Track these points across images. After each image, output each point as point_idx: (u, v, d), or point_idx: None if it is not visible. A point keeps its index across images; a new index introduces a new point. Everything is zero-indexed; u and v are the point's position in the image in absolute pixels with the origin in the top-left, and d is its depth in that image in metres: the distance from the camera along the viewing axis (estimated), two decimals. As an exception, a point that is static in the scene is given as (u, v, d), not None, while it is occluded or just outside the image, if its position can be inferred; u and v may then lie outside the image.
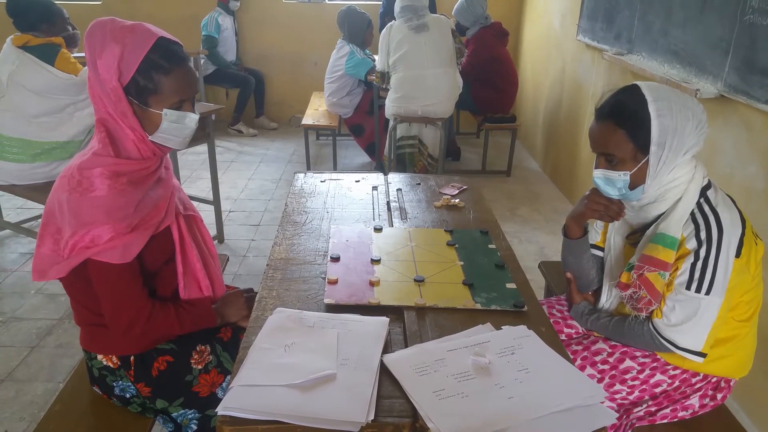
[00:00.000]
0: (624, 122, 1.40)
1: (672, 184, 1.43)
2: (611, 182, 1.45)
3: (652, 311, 1.46)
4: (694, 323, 1.40)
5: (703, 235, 1.39)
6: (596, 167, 1.47)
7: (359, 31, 4.70)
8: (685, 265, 1.40)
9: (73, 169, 1.33)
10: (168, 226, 1.47)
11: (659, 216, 1.47)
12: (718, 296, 1.38)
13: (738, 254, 1.38)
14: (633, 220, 1.56)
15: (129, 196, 1.35)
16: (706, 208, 1.41)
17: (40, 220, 1.42)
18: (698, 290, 1.38)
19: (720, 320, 1.41)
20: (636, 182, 1.43)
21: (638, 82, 1.44)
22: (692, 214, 1.42)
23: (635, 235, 1.56)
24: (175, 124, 1.40)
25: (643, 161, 1.40)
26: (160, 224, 1.44)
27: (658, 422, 1.57)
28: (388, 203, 2.03)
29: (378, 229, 1.80)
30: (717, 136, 2.45)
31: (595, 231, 1.72)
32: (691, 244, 1.40)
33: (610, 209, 1.51)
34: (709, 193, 1.44)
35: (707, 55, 2.49)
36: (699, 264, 1.38)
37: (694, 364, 1.47)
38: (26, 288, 3.04)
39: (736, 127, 2.37)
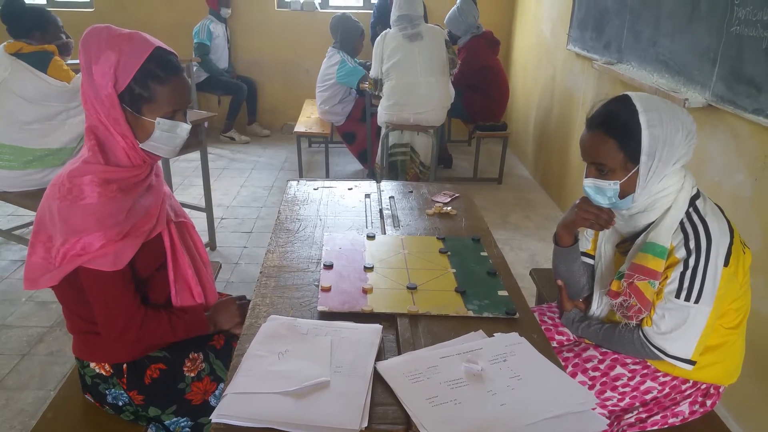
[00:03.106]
0: (615, 132, 1.42)
1: (661, 193, 1.45)
2: (601, 191, 1.47)
3: (642, 319, 1.48)
4: (683, 331, 1.42)
5: (692, 244, 1.40)
6: (586, 176, 1.49)
7: (352, 38, 4.73)
8: (675, 274, 1.41)
9: (64, 177, 1.33)
10: (159, 233, 1.48)
11: (649, 225, 1.49)
12: (707, 305, 1.39)
13: (726, 263, 1.39)
14: (623, 228, 1.58)
15: (119, 203, 1.35)
16: (695, 218, 1.43)
17: (31, 228, 1.42)
18: (687, 299, 1.40)
19: (709, 328, 1.42)
20: (626, 191, 1.45)
21: (629, 93, 1.46)
22: (681, 223, 1.44)
23: (625, 244, 1.57)
24: (167, 134, 1.41)
25: (633, 171, 1.42)
26: (151, 231, 1.44)
27: (648, 429, 1.58)
28: (380, 211, 2.04)
29: (371, 237, 1.81)
30: (705, 145, 2.48)
31: (586, 239, 1.74)
32: (681, 253, 1.41)
33: (600, 218, 1.53)
34: (698, 202, 1.46)
35: (695, 65, 2.52)
36: (688, 273, 1.40)
37: (683, 371, 1.49)
38: (17, 295, 3.02)
39: (724, 136, 2.40)
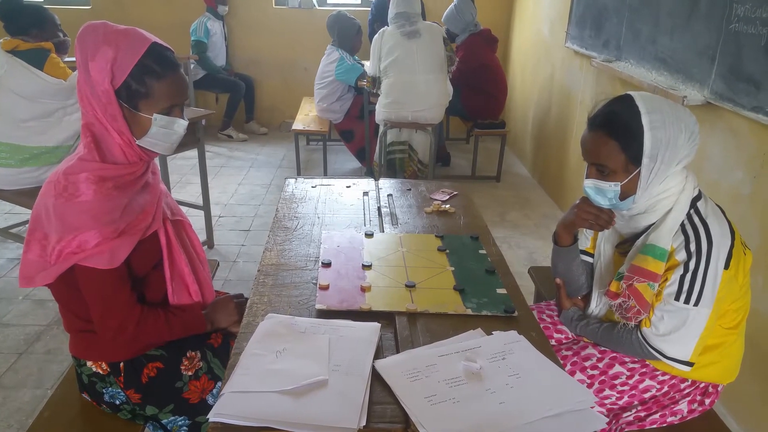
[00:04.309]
0: (617, 133, 1.40)
1: (663, 195, 1.43)
2: (602, 192, 1.45)
3: (641, 320, 1.47)
4: (682, 333, 1.41)
5: (692, 246, 1.39)
6: (587, 176, 1.47)
7: (349, 36, 4.72)
8: (675, 276, 1.40)
9: (59, 175, 1.33)
10: (155, 232, 1.47)
11: (649, 226, 1.47)
12: (707, 307, 1.39)
13: (727, 266, 1.38)
14: (623, 229, 1.56)
15: (115, 200, 1.34)
16: (696, 220, 1.42)
17: (27, 226, 1.41)
18: (687, 301, 1.39)
19: (708, 330, 1.42)
20: (627, 193, 1.43)
21: (632, 93, 1.44)
22: (682, 225, 1.42)
23: (625, 245, 1.56)
24: (164, 130, 1.40)
25: (635, 173, 1.40)
26: (147, 229, 1.43)
27: (647, 427, 1.58)
28: (379, 209, 2.04)
29: (369, 235, 1.80)
30: (704, 142, 2.48)
31: (585, 237, 1.73)
32: (681, 256, 1.40)
33: (600, 218, 1.52)
34: (699, 204, 1.45)
35: (694, 63, 2.52)
36: (688, 276, 1.39)
37: (682, 371, 1.48)
38: (14, 294, 3.02)
39: (723, 134, 2.39)
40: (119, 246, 1.35)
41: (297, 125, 4.79)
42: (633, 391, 1.56)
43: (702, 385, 1.57)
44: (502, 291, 1.52)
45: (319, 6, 6.10)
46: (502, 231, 3.99)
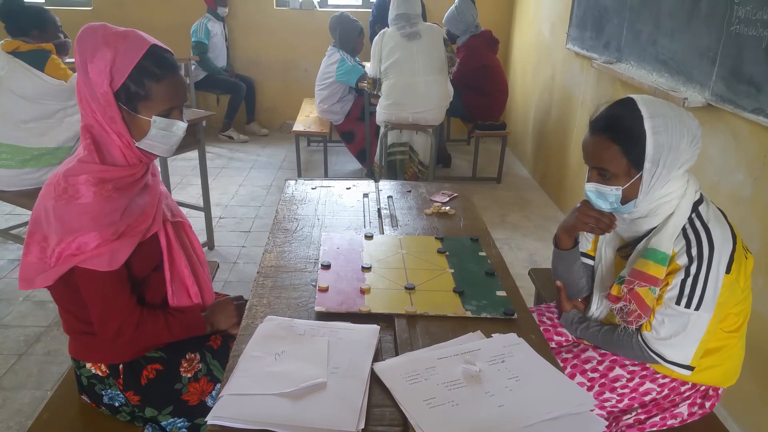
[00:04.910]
0: (619, 138, 1.39)
1: (664, 199, 1.43)
2: (603, 196, 1.45)
3: (642, 324, 1.46)
4: (682, 338, 1.41)
5: (694, 251, 1.38)
6: (588, 180, 1.47)
7: (351, 37, 4.72)
8: (676, 281, 1.40)
9: (59, 177, 1.33)
10: (155, 233, 1.47)
11: (651, 230, 1.47)
12: (708, 311, 1.38)
13: (728, 270, 1.37)
14: (624, 232, 1.56)
15: (115, 202, 1.34)
16: (698, 224, 1.41)
17: (27, 227, 1.41)
18: (688, 305, 1.38)
19: (709, 334, 1.41)
20: (628, 197, 1.43)
21: (634, 96, 1.43)
22: (684, 229, 1.42)
23: (626, 249, 1.55)
24: (163, 132, 1.40)
25: (637, 177, 1.40)
26: (147, 231, 1.43)
27: (647, 430, 1.57)
28: (378, 210, 2.04)
29: (369, 237, 1.80)
30: (704, 144, 2.44)
31: (586, 239, 1.72)
32: (682, 260, 1.40)
33: (601, 222, 1.51)
34: (701, 208, 1.44)
35: (695, 65, 2.51)
36: (689, 280, 1.38)
37: (683, 374, 1.48)
38: (14, 295, 3.02)
39: (723, 136, 2.39)
40: (119, 248, 1.34)
41: (298, 126, 4.79)
42: (633, 394, 1.55)
43: (702, 388, 1.57)
44: (501, 293, 1.52)
45: (320, 7, 6.10)
46: (503, 232, 3.99)
